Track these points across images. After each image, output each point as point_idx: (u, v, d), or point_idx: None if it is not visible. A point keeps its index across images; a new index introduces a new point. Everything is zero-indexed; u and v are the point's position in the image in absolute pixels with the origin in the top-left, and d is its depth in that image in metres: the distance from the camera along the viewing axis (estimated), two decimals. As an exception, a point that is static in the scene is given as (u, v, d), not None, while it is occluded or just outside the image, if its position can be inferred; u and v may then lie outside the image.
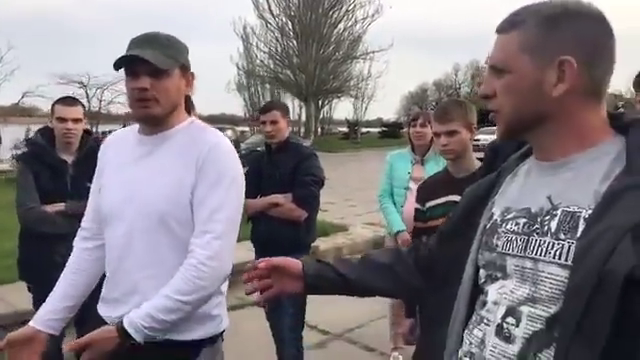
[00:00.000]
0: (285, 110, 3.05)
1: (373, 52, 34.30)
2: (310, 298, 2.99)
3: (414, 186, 3.30)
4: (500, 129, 0.97)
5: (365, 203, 9.38)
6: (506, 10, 0.97)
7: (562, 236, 0.83)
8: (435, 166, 3.27)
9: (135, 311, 1.37)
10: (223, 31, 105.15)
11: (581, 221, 0.81)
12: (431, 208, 2.19)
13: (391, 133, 42.08)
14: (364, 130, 46.61)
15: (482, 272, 0.99)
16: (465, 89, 60.28)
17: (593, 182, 0.84)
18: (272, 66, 35.15)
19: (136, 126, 1.60)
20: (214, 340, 1.54)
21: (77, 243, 1.68)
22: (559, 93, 0.88)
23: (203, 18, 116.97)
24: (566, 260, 0.81)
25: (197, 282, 1.38)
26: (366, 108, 42.16)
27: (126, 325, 1.35)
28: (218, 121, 35.18)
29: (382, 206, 3.50)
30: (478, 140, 4.98)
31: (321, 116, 43.16)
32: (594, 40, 0.88)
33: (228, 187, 1.46)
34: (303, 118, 35.58)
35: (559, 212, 0.85)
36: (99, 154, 1.68)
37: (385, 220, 3.55)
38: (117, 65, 1.45)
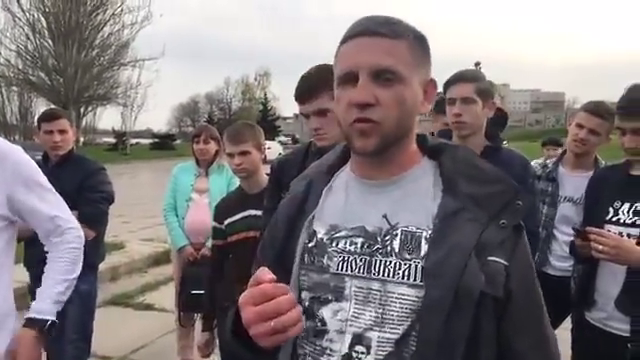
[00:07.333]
0: (71, 119, 2.85)
1: (143, 60, 32.60)
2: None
3: (197, 197, 3.45)
4: (374, 142, 0.89)
5: (140, 219, 9.00)
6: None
7: (407, 256, 0.85)
8: (218, 177, 3.45)
9: (39, 303, 1.61)
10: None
11: (423, 241, 0.85)
12: (230, 224, 2.35)
13: (163, 144, 40.79)
14: (133, 141, 44.17)
15: (305, 294, 0.93)
16: (236, 104, 62.34)
17: (422, 203, 0.89)
18: (21, 66, 30.55)
19: None
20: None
21: None
22: (425, 111, 0.94)
23: None
24: (415, 280, 0.84)
25: (73, 260, 1.68)
26: (135, 118, 39.98)
27: (40, 317, 1.59)
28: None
29: (166, 221, 3.53)
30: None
31: (83, 125, 39.27)
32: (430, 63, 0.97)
33: (33, 183, 1.60)
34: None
35: (399, 232, 0.87)
36: None
37: (169, 235, 3.57)
38: None
